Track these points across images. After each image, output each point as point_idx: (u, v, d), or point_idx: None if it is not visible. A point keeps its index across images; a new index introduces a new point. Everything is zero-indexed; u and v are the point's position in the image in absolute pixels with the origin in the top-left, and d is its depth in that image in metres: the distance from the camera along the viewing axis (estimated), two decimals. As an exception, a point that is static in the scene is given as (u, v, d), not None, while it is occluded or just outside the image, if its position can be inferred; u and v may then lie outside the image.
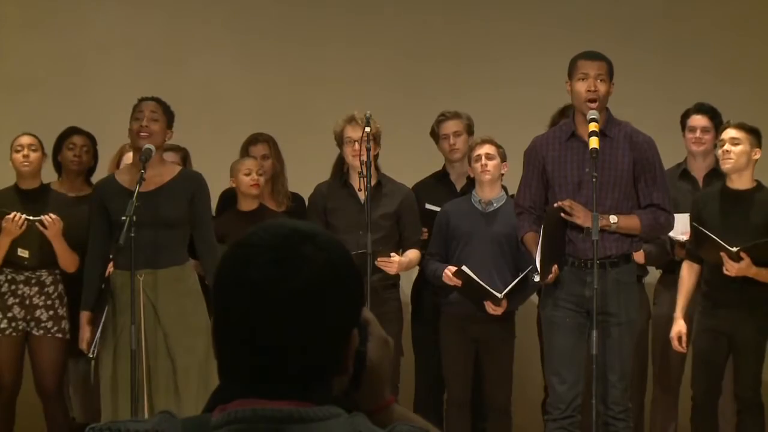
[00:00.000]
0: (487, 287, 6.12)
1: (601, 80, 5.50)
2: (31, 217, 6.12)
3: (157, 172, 5.73)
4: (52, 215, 6.12)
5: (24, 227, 6.09)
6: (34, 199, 6.28)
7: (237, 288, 1.64)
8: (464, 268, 6.14)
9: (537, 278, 5.57)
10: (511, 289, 6.13)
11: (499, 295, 6.11)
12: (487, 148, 6.26)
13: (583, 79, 5.51)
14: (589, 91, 5.48)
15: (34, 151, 6.35)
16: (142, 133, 5.71)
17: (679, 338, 6.06)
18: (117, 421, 1.67)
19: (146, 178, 5.61)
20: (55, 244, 6.15)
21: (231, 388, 1.65)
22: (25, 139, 6.36)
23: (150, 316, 5.64)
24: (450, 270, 6.20)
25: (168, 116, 5.81)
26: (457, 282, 6.18)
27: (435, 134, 6.75)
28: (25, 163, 6.31)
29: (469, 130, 6.67)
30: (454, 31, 7.82)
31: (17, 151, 6.32)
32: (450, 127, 6.67)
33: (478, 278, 6.12)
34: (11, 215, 6.09)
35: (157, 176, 5.72)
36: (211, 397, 1.67)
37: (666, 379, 6.55)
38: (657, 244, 6.30)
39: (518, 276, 6.16)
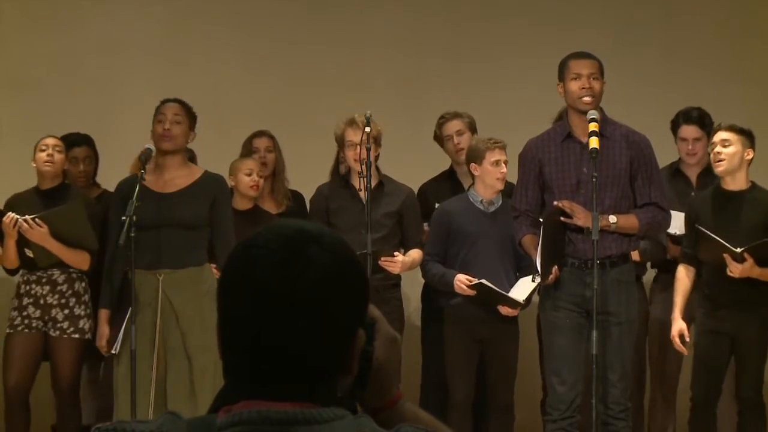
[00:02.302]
0: (509, 296, 6.09)
1: (594, 79, 5.52)
2: (19, 217, 6.10)
3: (180, 174, 5.78)
4: (29, 220, 6.08)
5: (16, 227, 6.08)
6: (54, 198, 6.26)
7: (242, 289, 1.64)
8: (484, 281, 6.07)
9: (537, 280, 5.58)
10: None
11: (521, 301, 6.10)
12: (504, 155, 6.20)
13: (576, 79, 5.53)
14: (583, 89, 5.50)
15: (59, 152, 6.33)
16: (164, 137, 5.72)
17: (681, 336, 6.04)
18: (122, 421, 1.67)
19: (168, 179, 5.73)
20: (48, 247, 6.13)
21: (236, 389, 1.65)
22: (51, 140, 6.33)
23: (169, 316, 5.65)
24: (464, 281, 6.13)
25: (190, 118, 5.86)
26: (471, 292, 6.13)
27: (438, 137, 6.73)
28: (48, 163, 6.29)
29: (472, 128, 6.66)
30: (456, 31, 7.82)
31: (42, 151, 6.29)
32: (452, 127, 6.66)
33: (493, 283, 6.07)
34: (5, 216, 6.09)
35: (179, 178, 5.77)
36: (216, 398, 1.67)
37: (664, 380, 6.55)
38: (652, 240, 6.30)
39: (523, 276, 6.15)
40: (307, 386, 1.64)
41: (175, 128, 5.76)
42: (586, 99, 5.50)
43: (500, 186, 6.25)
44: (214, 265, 5.85)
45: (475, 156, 6.25)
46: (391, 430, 1.66)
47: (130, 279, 5.71)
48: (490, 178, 6.22)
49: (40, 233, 6.09)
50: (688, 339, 6.03)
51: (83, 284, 6.26)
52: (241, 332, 1.64)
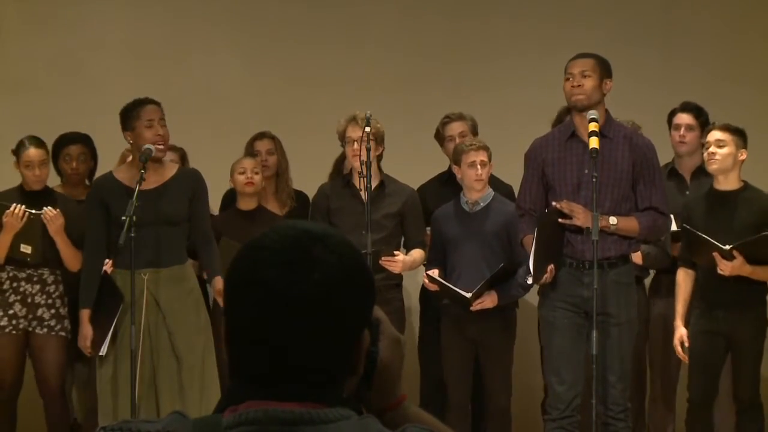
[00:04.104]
0: (456, 289, 6.10)
1: (584, 76, 5.54)
2: (33, 211, 6.11)
3: (157, 172, 5.75)
4: (51, 209, 6.10)
5: (25, 219, 6.07)
6: (38, 200, 6.25)
7: (248, 290, 1.64)
8: (430, 272, 6.16)
9: (530, 280, 5.57)
10: (487, 285, 6.08)
11: (467, 295, 6.08)
12: (482, 155, 6.22)
13: (568, 79, 5.57)
14: (573, 87, 5.52)
15: (44, 165, 6.31)
16: (160, 143, 5.70)
17: (682, 345, 6.04)
18: (129, 421, 1.67)
19: (146, 177, 5.64)
20: (58, 241, 6.14)
21: (242, 388, 1.65)
22: (35, 154, 6.26)
23: (154, 315, 5.64)
24: (425, 278, 6.22)
25: None
26: (435, 288, 6.19)
27: (440, 136, 6.73)
28: (37, 181, 6.27)
29: (474, 131, 6.66)
30: (455, 31, 7.82)
31: (27, 167, 6.23)
32: (455, 128, 6.66)
33: (475, 283, 6.10)
34: (12, 208, 6.08)
35: (156, 175, 5.75)
36: (222, 398, 1.67)
37: (664, 380, 6.56)
38: (657, 246, 6.30)
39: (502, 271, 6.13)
40: (312, 387, 1.64)
41: (166, 134, 5.75)
42: (575, 97, 5.53)
43: (478, 187, 6.26)
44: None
45: (456, 159, 6.33)
46: (398, 431, 1.67)
47: (111, 279, 5.71)
48: (468, 180, 6.27)
49: (59, 225, 6.10)
50: (687, 344, 6.04)
51: (62, 286, 6.27)
52: (248, 333, 1.65)
